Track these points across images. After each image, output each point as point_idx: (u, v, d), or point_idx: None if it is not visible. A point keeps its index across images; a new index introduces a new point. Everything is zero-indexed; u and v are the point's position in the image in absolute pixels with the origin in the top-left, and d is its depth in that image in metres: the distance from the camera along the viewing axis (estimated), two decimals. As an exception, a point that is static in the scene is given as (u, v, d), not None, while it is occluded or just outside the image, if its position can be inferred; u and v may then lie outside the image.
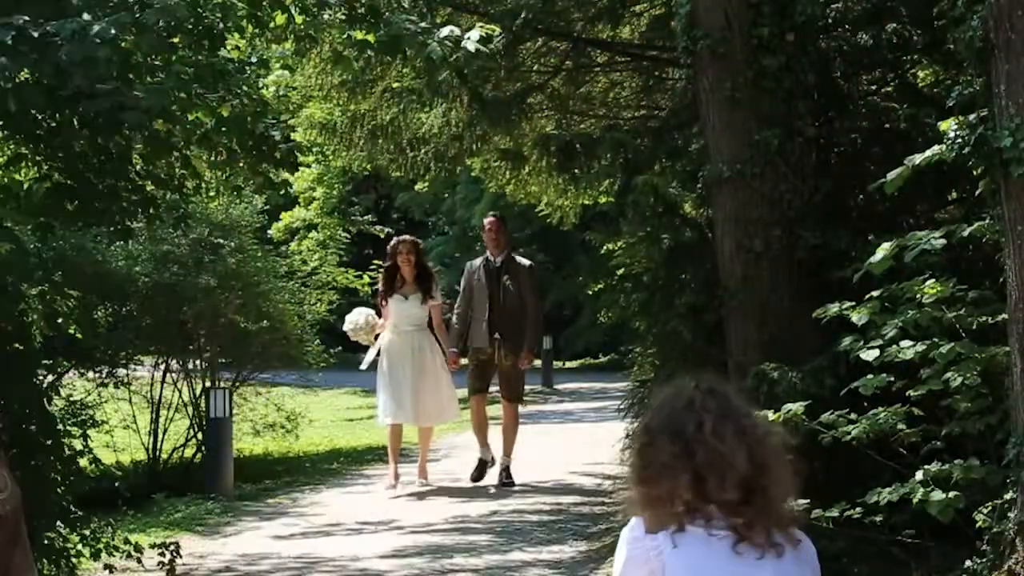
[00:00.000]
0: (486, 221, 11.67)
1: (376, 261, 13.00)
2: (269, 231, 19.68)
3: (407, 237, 11.81)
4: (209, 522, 10.17)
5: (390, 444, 11.35)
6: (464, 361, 11.72)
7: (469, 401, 11.49)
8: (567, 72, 11.25)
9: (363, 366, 11.68)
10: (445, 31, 6.73)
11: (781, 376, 6.92)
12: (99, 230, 9.43)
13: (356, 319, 11.40)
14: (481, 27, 6.92)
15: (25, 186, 7.01)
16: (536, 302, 11.36)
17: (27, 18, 5.75)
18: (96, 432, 9.73)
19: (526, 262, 11.55)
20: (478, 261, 11.55)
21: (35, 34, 5.75)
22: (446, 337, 11.43)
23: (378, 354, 11.32)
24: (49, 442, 7.40)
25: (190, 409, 12.65)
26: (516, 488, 11.27)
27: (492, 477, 11.45)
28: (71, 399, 9.52)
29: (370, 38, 6.89)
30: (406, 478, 11.27)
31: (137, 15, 6.01)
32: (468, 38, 6.68)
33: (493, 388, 11.71)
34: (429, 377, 11.19)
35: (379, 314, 11.48)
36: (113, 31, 5.69)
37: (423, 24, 6.82)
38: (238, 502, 11.11)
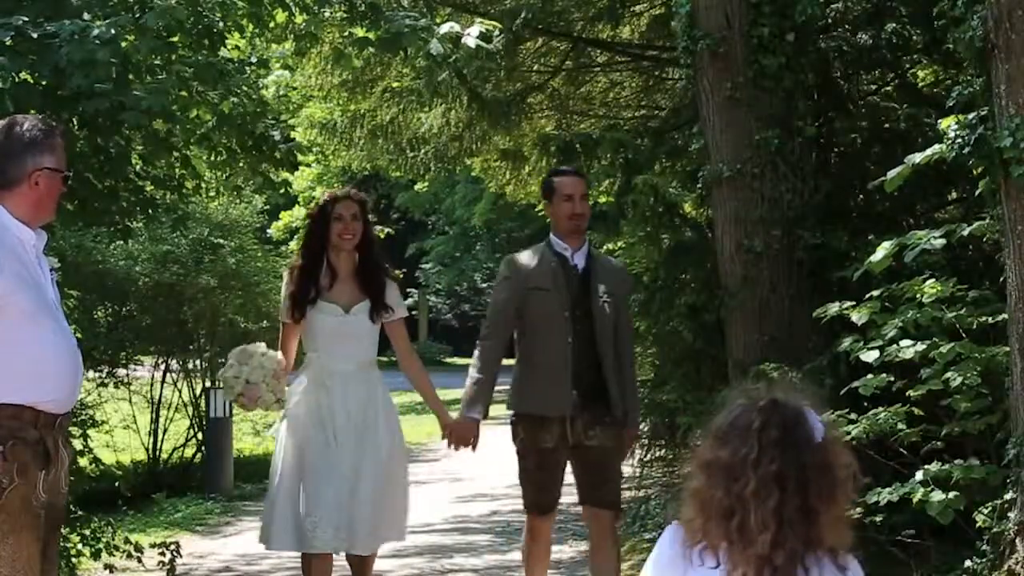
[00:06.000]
0: (562, 181, 5.89)
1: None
2: (269, 231, 19.70)
3: (351, 191, 5.94)
4: (209, 522, 10.17)
5: None
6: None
7: (526, 521, 6.09)
8: (567, 72, 11.26)
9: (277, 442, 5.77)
10: (446, 27, 6.74)
11: (781, 376, 6.91)
12: (99, 230, 9.44)
13: (247, 364, 5.60)
14: (482, 23, 6.93)
15: (25, 186, 6.99)
16: (632, 337, 6.10)
17: (26, 18, 5.76)
18: (96, 432, 9.75)
19: (618, 263, 6.44)
20: (536, 256, 5.84)
21: (34, 35, 5.76)
22: (429, 388, 5.85)
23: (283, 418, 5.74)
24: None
25: (190, 409, 12.65)
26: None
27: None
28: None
29: (371, 35, 6.90)
30: None
31: (137, 16, 6.02)
32: (469, 34, 6.69)
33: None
34: (381, 465, 5.66)
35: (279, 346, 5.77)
36: (113, 32, 5.70)
37: (423, 21, 6.83)
38: (238, 502, 11.11)
